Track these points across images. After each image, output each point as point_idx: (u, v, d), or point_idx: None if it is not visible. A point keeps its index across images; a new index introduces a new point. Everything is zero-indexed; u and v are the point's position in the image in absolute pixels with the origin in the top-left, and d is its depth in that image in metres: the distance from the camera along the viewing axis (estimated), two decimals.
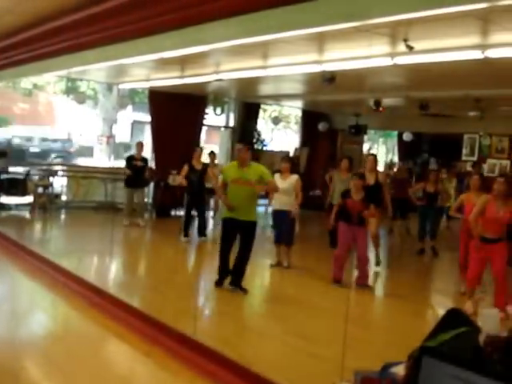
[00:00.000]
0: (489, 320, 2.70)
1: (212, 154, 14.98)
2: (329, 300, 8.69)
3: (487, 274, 8.32)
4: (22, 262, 9.54)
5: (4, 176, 15.23)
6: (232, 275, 8.63)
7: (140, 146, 14.37)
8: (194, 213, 12.76)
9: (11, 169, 15.65)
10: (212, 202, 15.76)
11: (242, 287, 8.55)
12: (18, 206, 15.41)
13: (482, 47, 7.50)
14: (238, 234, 8.57)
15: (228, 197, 8.51)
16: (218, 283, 8.67)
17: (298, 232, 10.78)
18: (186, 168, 12.39)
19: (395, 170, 18.96)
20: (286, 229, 10.22)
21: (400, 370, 2.55)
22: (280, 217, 10.32)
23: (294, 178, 10.20)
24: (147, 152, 15.84)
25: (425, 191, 12.78)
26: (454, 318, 2.62)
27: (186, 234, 12.46)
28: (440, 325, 2.60)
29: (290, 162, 10.54)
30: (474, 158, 19.56)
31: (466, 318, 2.66)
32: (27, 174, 15.28)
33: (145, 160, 14.33)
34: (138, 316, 6.80)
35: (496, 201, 7.93)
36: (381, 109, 14.68)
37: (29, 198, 15.23)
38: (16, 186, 15.13)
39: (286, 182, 10.10)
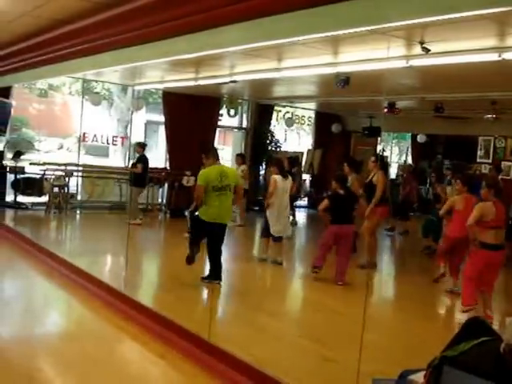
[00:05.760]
0: (509, 328, 2.64)
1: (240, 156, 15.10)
2: (339, 301, 8.76)
3: None
4: (37, 262, 9.61)
5: (20, 176, 15.31)
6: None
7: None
8: None
9: (27, 168, 15.69)
10: None
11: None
12: (33, 205, 15.48)
13: (499, 49, 7.45)
14: None
15: None
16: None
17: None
18: None
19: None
20: None
21: (418, 378, 2.52)
22: None
23: None
24: (161, 153, 15.83)
25: (434, 193, 12.92)
26: (475, 326, 2.59)
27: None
28: (460, 334, 2.56)
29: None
30: (489, 161, 19.45)
31: (487, 327, 2.63)
32: (43, 174, 15.29)
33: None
34: (152, 317, 6.82)
35: None
36: (396, 110, 14.63)
37: (44, 198, 15.28)
38: (32, 186, 15.21)
39: None
